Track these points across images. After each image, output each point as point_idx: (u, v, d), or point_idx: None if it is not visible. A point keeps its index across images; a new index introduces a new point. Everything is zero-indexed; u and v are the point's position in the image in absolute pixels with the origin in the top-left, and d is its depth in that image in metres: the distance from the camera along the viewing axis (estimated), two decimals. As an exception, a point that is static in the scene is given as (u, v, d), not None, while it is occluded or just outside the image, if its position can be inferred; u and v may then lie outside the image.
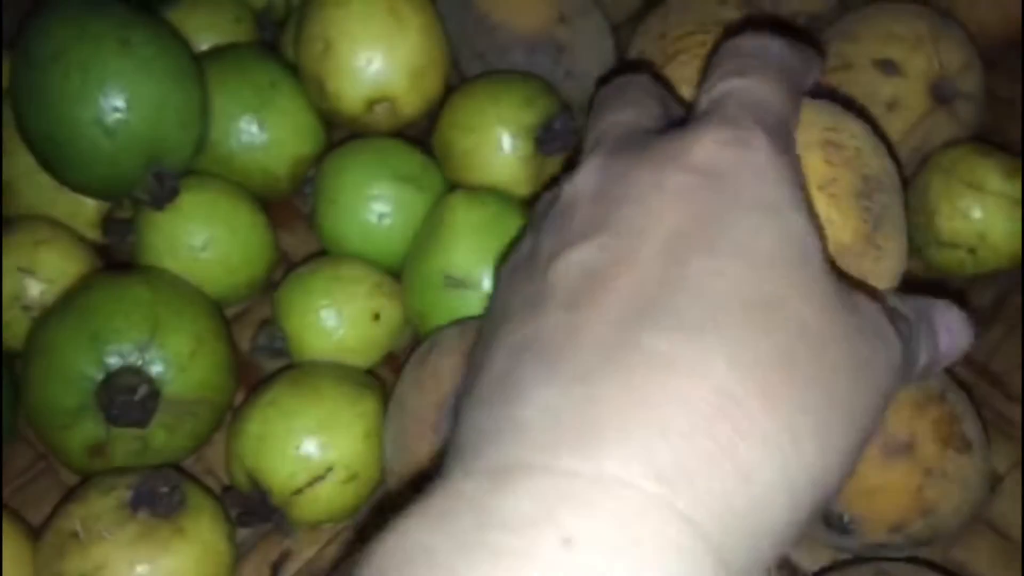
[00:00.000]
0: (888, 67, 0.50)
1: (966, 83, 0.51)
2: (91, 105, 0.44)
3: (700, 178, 0.24)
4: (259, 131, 0.50)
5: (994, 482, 0.47)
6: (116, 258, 0.51)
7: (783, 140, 0.26)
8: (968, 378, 0.50)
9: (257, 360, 0.48)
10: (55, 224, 0.49)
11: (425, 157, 0.50)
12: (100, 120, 0.44)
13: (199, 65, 0.49)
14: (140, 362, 0.41)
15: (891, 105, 0.50)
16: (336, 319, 0.46)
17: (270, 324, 0.47)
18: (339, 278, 0.47)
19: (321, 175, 0.50)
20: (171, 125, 0.46)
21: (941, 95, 0.51)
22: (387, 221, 0.48)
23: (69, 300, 0.43)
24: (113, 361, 0.41)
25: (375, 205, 0.48)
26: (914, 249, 0.50)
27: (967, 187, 0.49)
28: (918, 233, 0.50)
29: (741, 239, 0.23)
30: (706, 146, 0.25)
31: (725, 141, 0.25)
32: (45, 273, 0.47)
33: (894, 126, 0.51)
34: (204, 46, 0.55)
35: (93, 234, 0.51)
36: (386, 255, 0.49)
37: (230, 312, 0.51)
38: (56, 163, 0.46)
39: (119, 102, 0.45)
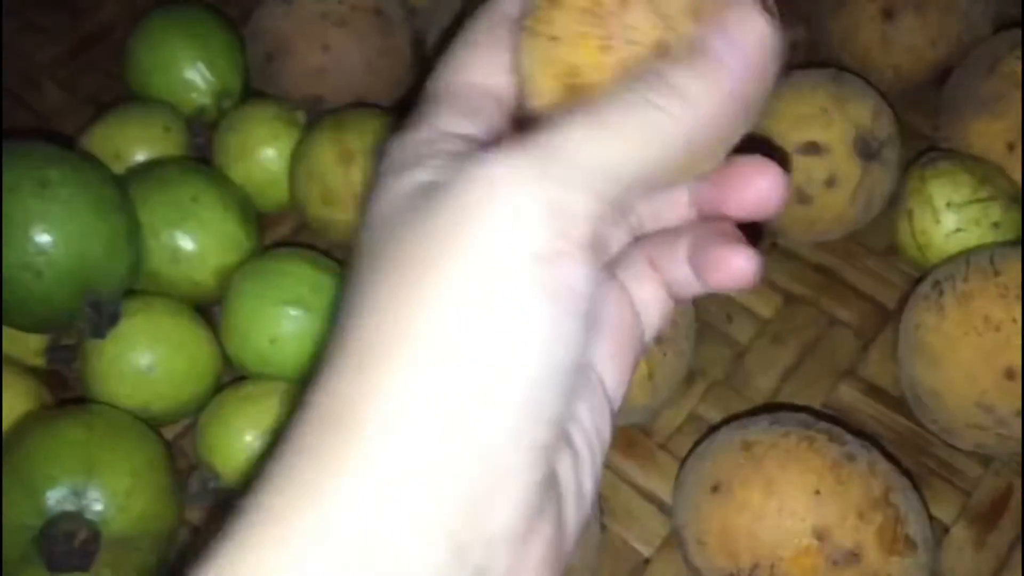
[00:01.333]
0: (813, 148, 0.51)
1: (882, 128, 0.52)
2: (17, 250, 0.46)
3: None
4: (182, 245, 0.52)
5: (940, 535, 0.47)
6: (64, 381, 0.52)
7: None
8: (908, 426, 0.50)
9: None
10: (4, 361, 0.50)
11: (317, 275, 0.51)
12: (28, 264, 0.46)
13: (122, 190, 0.50)
14: (77, 506, 0.43)
15: (829, 182, 0.51)
16: (258, 437, 0.47)
17: (198, 469, 0.48)
18: (248, 397, 0.48)
19: (224, 300, 0.51)
20: (100, 256, 0.48)
21: (867, 152, 0.51)
22: (279, 344, 0.50)
23: (6, 448, 0.45)
24: (51, 507, 0.42)
25: (267, 330, 0.50)
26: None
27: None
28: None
29: None
30: None
31: None
32: (-7, 412, 0.48)
33: (837, 199, 0.52)
34: (138, 158, 0.56)
35: (38, 361, 0.52)
36: (286, 372, 0.50)
37: (180, 425, 0.52)
38: (-6, 309, 0.47)
39: (44, 244, 0.46)
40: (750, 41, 0.21)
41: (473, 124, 0.22)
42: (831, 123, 0.51)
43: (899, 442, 0.50)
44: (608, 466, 0.50)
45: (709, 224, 0.25)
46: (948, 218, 0.51)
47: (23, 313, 0.48)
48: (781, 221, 0.54)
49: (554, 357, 0.19)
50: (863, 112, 0.51)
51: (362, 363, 0.19)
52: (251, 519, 0.19)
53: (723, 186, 0.24)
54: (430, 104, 0.23)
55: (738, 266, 0.23)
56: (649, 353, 0.46)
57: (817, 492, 0.39)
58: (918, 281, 0.50)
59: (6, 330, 0.51)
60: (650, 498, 0.49)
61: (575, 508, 0.22)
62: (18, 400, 0.49)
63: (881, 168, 0.52)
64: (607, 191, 0.19)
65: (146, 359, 0.49)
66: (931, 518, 0.45)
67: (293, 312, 0.49)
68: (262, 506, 0.19)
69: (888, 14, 0.56)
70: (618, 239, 0.26)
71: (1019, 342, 0.43)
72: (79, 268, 0.47)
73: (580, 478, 0.23)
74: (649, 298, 0.26)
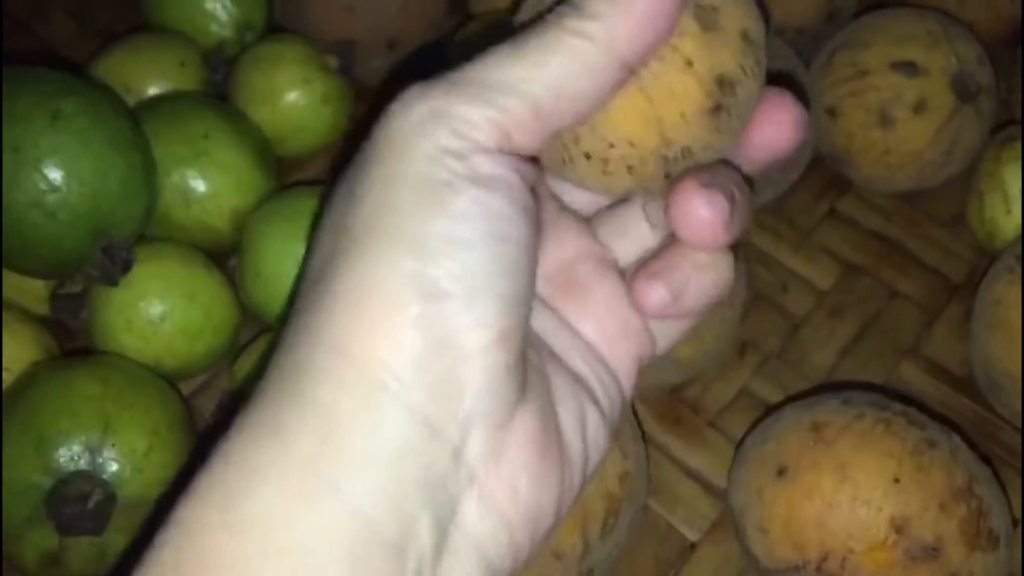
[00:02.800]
0: (908, 68, 0.47)
1: (984, 77, 0.49)
2: (27, 188, 0.42)
3: None
4: (194, 185, 0.48)
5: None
6: (69, 332, 0.49)
7: None
8: (976, 410, 0.47)
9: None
10: (5, 307, 0.47)
11: None
12: (39, 202, 0.42)
13: (140, 128, 0.46)
14: (91, 466, 0.39)
15: (918, 107, 0.48)
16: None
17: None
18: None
19: (243, 248, 0.47)
20: (115, 197, 0.44)
21: (964, 91, 0.48)
22: None
23: (13, 399, 0.41)
24: (62, 466, 0.39)
25: (296, 272, 0.45)
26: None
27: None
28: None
29: None
30: None
31: None
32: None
33: (922, 129, 0.48)
34: (149, 92, 0.52)
35: (43, 309, 0.49)
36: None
37: (195, 382, 0.49)
38: (-3, 250, 0.44)
39: (57, 181, 0.42)
40: None
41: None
42: (935, 47, 0.48)
43: (965, 426, 0.46)
44: (652, 443, 0.47)
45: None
46: (1020, 208, 0.47)
47: (29, 256, 0.44)
48: (852, 146, 0.50)
49: (493, 237, 0.21)
50: (970, 50, 0.48)
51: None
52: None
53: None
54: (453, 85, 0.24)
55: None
56: None
57: (896, 480, 0.36)
58: (991, 256, 0.47)
59: (7, 276, 0.47)
60: (697, 478, 0.46)
61: (576, 428, 0.24)
62: (24, 349, 0.45)
63: (975, 116, 0.49)
64: (511, 104, 0.22)
65: (157, 309, 0.45)
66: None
67: None
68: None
69: (967, -35, 0.52)
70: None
71: None
72: (93, 209, 0.43)
73: (583, 408, 0.25)
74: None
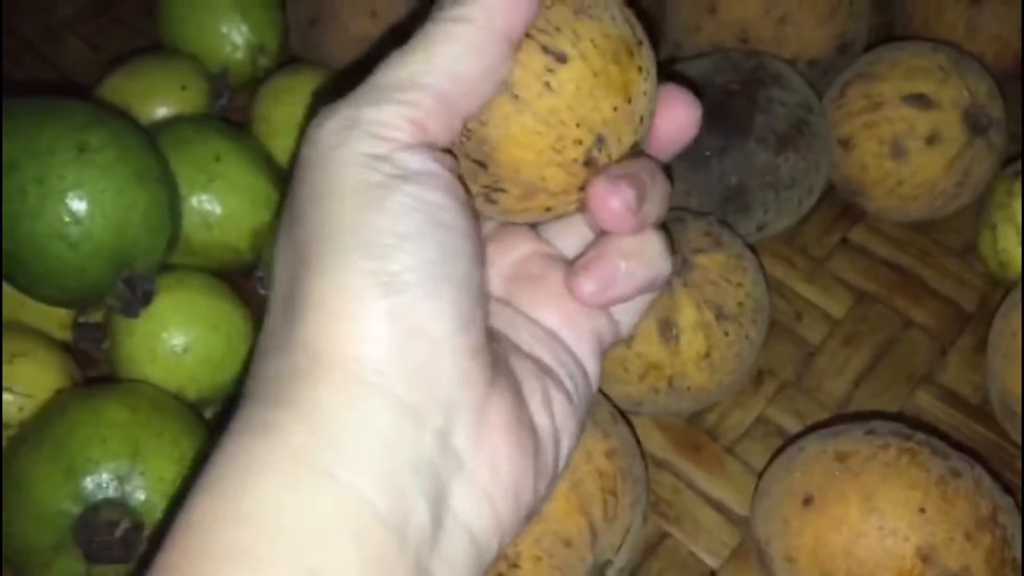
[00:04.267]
0: (921, 101, 0.48)
1: (994, 110, 0.50)
2: (51, 220, 0.42)
3: None
4: (211, 208, 0.48)
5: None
6: (91, 359, 0.49)
7: None
8: (990, 438, 0.48)
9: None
10: (29, 333, 0.47)
11: None
12: (63, 234, 0.42)
13: (165, 161, 0.47)
14: (120, 493, 0.39)
15: (930, 139, 0.49)
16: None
17: None
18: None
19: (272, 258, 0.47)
20: (138, 230, 0.44)
21: (976, 124, 0.49)
22: None
23: (41, 426, 0.41)
24: (91, 493, 0.39)
25: None
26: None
27: None
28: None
29: None
30: None
31: None
32: (22, 388, 0.45)
33: (935, 160, 0.49)
34: (150, 115, 0.53)
35: (65, 334, 0.49)
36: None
37: (215, 411, 0.49)
38: (20, 279, 0.44)
39: (81, 213, 0.42)
40: None
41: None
42: (946, 81, 0.49)
43: (982, 454, 0.47)
44: (671, 470, 0.47)
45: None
46: None
47: (52, 286, 0.44)
48: (866, 177, 0.51)
49: (434, 226, 0.22)
50: (981, 84, 0.49)
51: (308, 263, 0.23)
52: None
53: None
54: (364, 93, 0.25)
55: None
56: (707, 329, 0.44)
57: (922, 510, 0.37)
58: (1003, 286, 0.48)
59: (30, 302, 0.47)
60: (717, 506, 0.46)
61: (544, 410, 0.25)
62: (48, 375, 0.45)
63: (986, 149, 0.50)
64: (415, 98, 0.23)
65: (180, 340, 0.46)
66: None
67: None
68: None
69: None
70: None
71: None
72: (116, 241, 0.43)
73: (549, 392, 0.25)
74: None
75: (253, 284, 0.49)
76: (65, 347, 0.48)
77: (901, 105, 0.49)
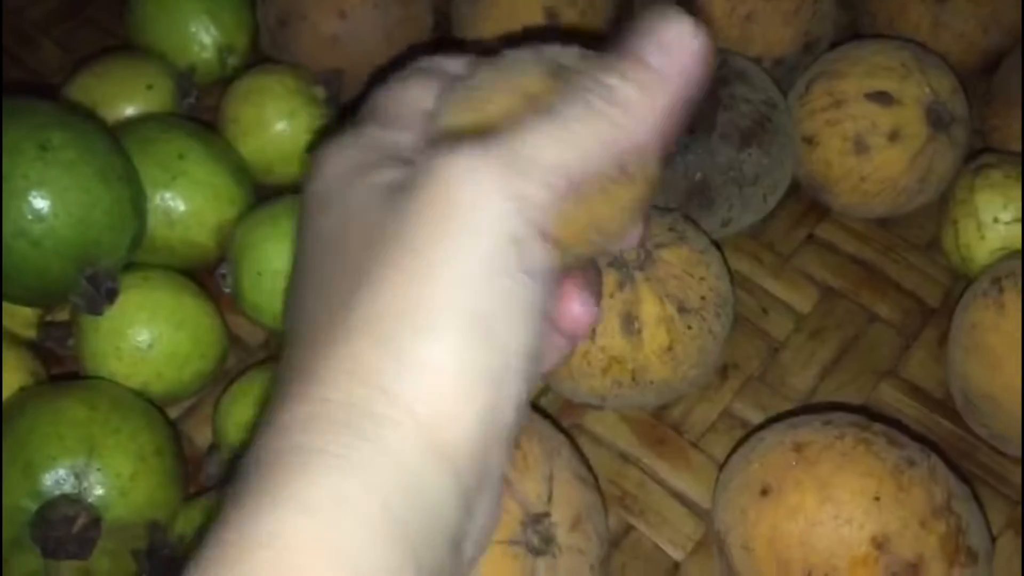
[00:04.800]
0: (883, 98, 0.49)
1: (957, 107, 0.50)
2: (14, 217, 0.42)
3: None
4: (174, 205, 0.49)
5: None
6: (58, 357, 0.49)
7: None
8: (953, 430, 0.48)
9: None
10: (-8, 333, 0.47)
11: None
12: (25, 231, 0.42)
13: (129, 160, 0.47)
14: (77, 489, 0.39)
15: (892, 135, 0.49)
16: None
17: (217, 450, 0.45)
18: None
19: (238, 252, 0.48)
20: (101, 228, 0.44)
21: (938, 121, 0.49)
22: None
23: (2, 425, 0.41)
24: (48, 489, 0.39)
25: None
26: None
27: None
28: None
29: None
30: None
31: None
32: (-14, 387, 0.45)
33: (897, 157, 0.50)
34: (117, 114, 0.53)
35: (32, 333, 0.49)
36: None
37: (182, 406, 0.49)
38: (-17, 277, 0.44)
39: (43, 211, 0.43)
40: (686, 55, 0.23)
41: (407, 137, 0.24)
42: (908, 78, 0.49)
43: (942, 446, 0.47)
44: (637, 464, 0.48)
45: None
46: (993, 235, 0.48)
47: (15, 284, 0.44)
48: (830, 174, 0.52)
49: (536, 326, 0.22)
50: (943, 81, 0.49)
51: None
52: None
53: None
54: (367, 119, 0.25)
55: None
56: (669, 322, 0.44)
57: (877, 498, 0.37)
58: (965, 280, 0.48)
59: (-5, 300, 0.48)
60: (682, 499, 0.47)
61: None
62: (12, 374, 0.45)
63: (948, 145, 0.50)
64: (559, 185, 0.22)
65: (145, 336, 0.46)
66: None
67: None
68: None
69: (939, -4, 0.54)
70: None
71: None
72: (79, 239, 0.44)
73: None
74: None
75: (216, 280, 0.49)
76: (31, 345, 0.48)
77: (864, 102, 0.49)
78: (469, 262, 0.21)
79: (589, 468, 0.43)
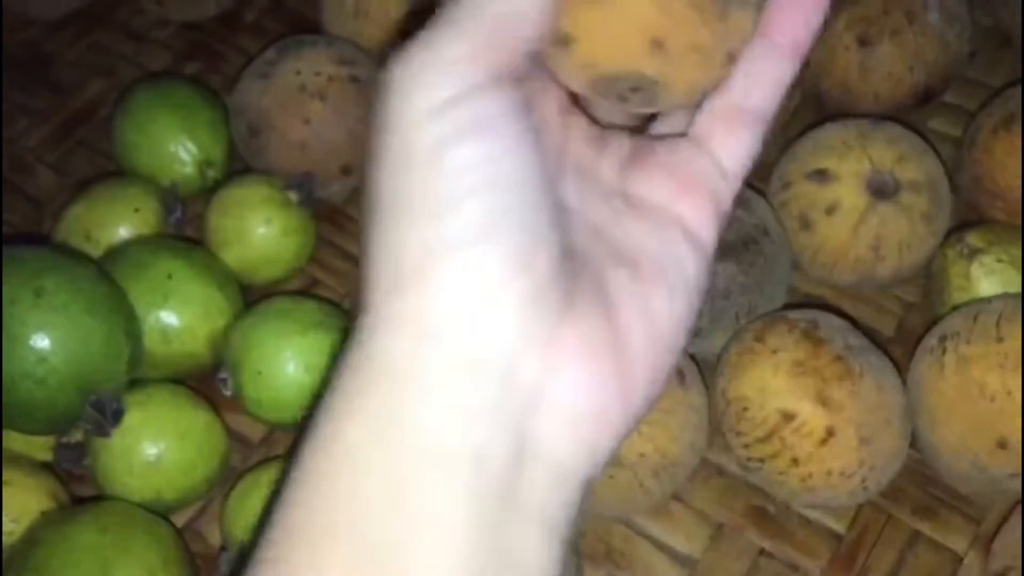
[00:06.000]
0: (821, 176, 0.51)
1: (906, 172, 0.51)
2: (18, 360, 0.46)
3: None
4: (168, 323, 0.53)
5: (955, 565, 0.48)
6: (78, 476, 0.53)
7: None
8: (918, 457, 0.50)
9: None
10: (13, 460, 0.51)
11: (316, 302, 0.54)
12: (29, 373, 0.47)
13: (118, 290, 0.51)
14: (96, 611, 0.43)
15: (829, 209, 0.51)
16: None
17: (226, 550, 0.48)
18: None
19: (236, 356, 0.52)
20: (98, 358, 0.48)
21: (879, 190, 0.51)
22: (314, 374, 0.51)
23: (22, 555, 0.45)
24: (70, 615, 0.43)
25: (300, 359, 0.51)
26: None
27: None
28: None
29: None
30: None
31: None
32: (10, 514, 0.49)
33: (838, 229, 0.52)
34: (110, 238, 0.57)
35: (48, 455, 0.53)
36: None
37: (195, 506, 0.53)
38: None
39: (44, 352, 0.47)
40: None
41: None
42: (847, 154, 0.51)
43: (909, 469, 0.49)
44: (621, 520, 0.50)
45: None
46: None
47: (26, 419, 0.48)
48: (794, 250, 0.54)
49: (496, 177, 0.23)
50: (886, 153, 0.51)
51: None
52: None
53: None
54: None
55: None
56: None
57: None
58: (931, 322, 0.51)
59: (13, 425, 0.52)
60: (667, 551, 0.50)
61: (639, 320, 0.25)
62: (32, 500, 0.49)
63: (899, 212, 0.51)
64: (489, 27, 0.23)
65: (152, 451, 0.50)
66: (945, 548, 0.47)
67: (314, 334, 0.51)
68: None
69: (864, 42, 0.56)
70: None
71: (1013, 413, 0.43)
72: (79, 372, 0.48)
73: (646, 292, 0.25)
74: (729, 147, 0.27)
75: (216, 384, 0.53)
76: (50, 467, 0.52)
77: (804, 181, 0.52)
78: (402, 155, 0.23)
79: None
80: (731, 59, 0.26)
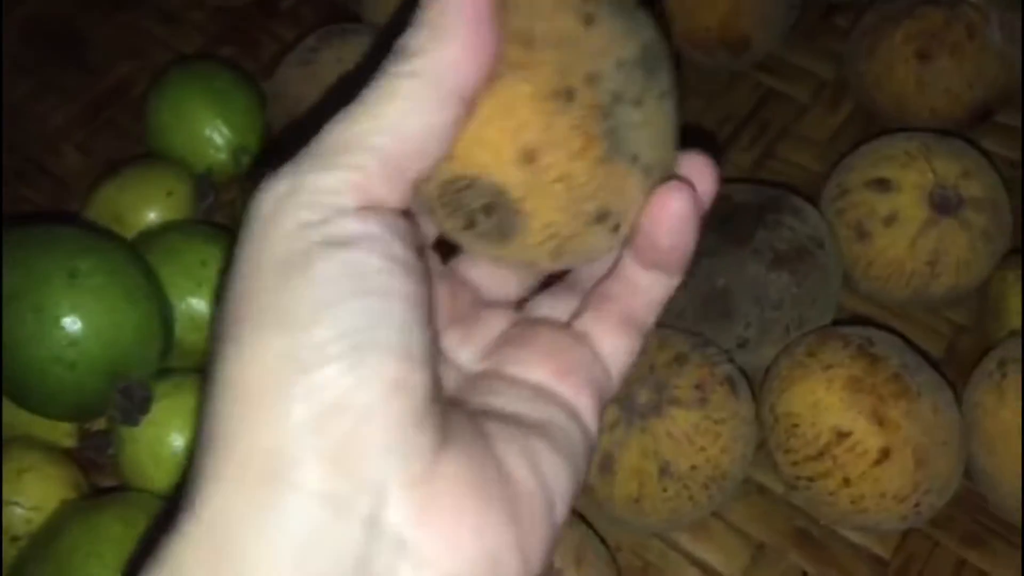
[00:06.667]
0: (882, 185, 0.50)
1: (970, 189, 0.50)
2: (49, 344, 0.45)
3: None
4: (200, 311, 0.51)
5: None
6: (100, 466, 0.51)
7: None
8: (968, 485, 0.49)
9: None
10: (35, 446, 0.49)
11: None
12: (60, 357, 0.45)
13: (153, 277, 0.49)
14: (121, 604, 0.42)
15: (888, 220, 0.50)
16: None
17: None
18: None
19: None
20: (131, 344, 0.47)
21: (942, 204, 0.49)
22: None
23: (44, 543, 0.44)
24: (92, 609, 0.42)
25: None
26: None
27: None
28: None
29: None
30: None
31: None
32: (30, 502, 0.47)
33: (896, 240, 0.50)
34: (140, 221, 0.56)
35: (71, 442, 0.51)
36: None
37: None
38: (25, 400, 0.46)
39: (76, 335, 0.45)
40: None
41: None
42: (910, 167, 0.50)
43: (957, 496, 0.48)
44: (658, 535, 0.49)
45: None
46: None
47: (54, 405, 0.47)
48: (847, 261, 0.52)
49: (361, 293, 0.21)
50: (951, 167, 0.50)
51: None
52: None
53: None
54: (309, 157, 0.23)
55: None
56: (643, 478, 0.44)
57: None
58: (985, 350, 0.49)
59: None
60: (703, 567, 0.48)
61: (525, 465, 0.23)
62: (54, 488, 0.48)
63: (960, 228, 0.49)
64: (359, 160, 0.22)
65: (180, 442, 0.48)
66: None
67: None
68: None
69: (923, 56, 0.55)
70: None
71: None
72: (111, 358, 0.46)
73: (530, 445, 0.24)
74: (610, 347, 0.27)
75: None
76: (73, 455, 0.51)
77: (863, 190, 0.51)
78: (263, 266, 0.21)
79: (604, 543, 0.45)
80: (601, 219, 0.24)
